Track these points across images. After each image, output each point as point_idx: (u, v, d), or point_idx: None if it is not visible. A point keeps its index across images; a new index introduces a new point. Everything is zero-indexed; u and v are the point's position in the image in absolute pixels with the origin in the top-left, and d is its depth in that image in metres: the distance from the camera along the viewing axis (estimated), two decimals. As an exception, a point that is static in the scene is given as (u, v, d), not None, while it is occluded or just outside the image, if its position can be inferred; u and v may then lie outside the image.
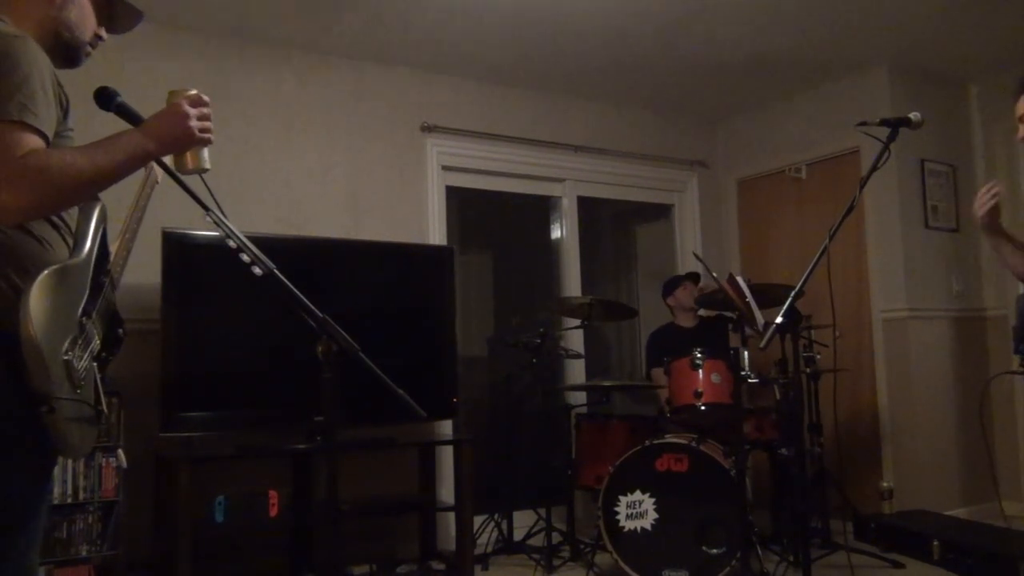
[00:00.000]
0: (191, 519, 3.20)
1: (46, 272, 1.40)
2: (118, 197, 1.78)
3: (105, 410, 1.53)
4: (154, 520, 3.51)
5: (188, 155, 1.57)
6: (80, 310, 1.49)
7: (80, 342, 1.47)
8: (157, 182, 2.02)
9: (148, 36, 3.86)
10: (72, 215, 1.57)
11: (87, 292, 1.53)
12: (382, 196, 4.42)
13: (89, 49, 1.65)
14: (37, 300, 1.35)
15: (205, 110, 1.57)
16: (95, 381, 1.53)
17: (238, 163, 4.03)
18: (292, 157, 4.19)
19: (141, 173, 1.94)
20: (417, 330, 4.00)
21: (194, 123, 1.54)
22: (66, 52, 1.61)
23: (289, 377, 3.46)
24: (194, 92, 1.57)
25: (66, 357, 1.40)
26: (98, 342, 1.55)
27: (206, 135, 1.57)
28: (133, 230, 1.80)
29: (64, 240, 1.53)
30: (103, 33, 1.67)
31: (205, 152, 1.60)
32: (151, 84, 3.84)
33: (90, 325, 1.51)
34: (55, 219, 1.51)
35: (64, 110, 1.52)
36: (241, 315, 3.53)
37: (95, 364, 1.54)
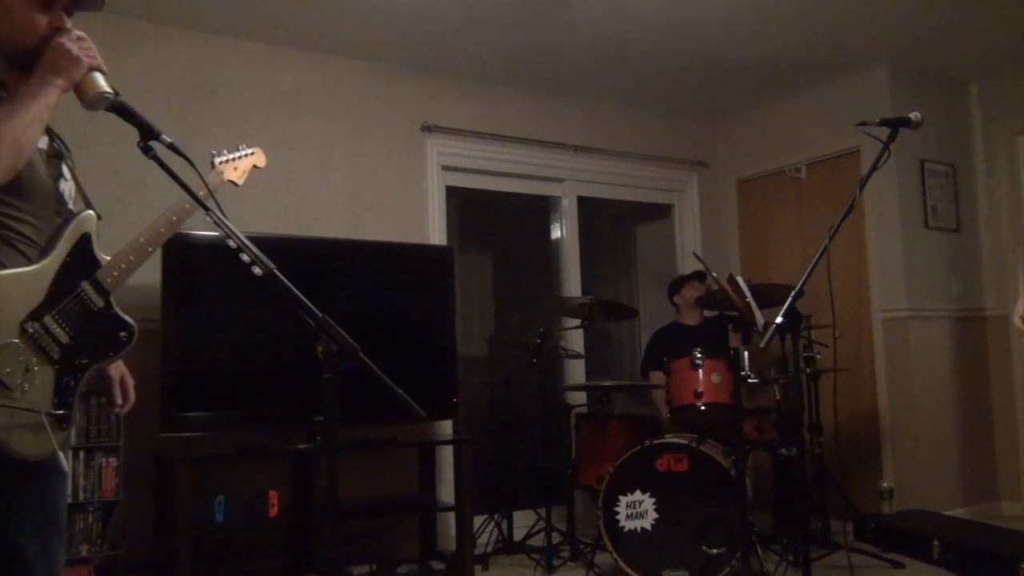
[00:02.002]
0: (191, 519, 3.19)
1: None
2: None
3: (44, 417, 1.52)
4: (154, 520, 3.51)
5: (84, 84, 1.58)
6: (24, 316, 1.51)
7: (22, 347, 1.49)
8: (182, 180, 1.97)
9: (147, 35, 3.86)
10: (40, 226, 1.59)
11: (42, 298, 1.54)
12: (382, 196, 4.42)
13: None
14: None
15: (83, 42, 1.58)
16: (52, 386, 1.54)
17: (238, 163, 4.02)
18: (292, 157, 4.19)
19: (155, 178, 1.89)
20: (417, 330, 3.99)
21: (75, 49, 1.56)
22: (23, 62, 1.60)
23: (289, 377, 3.46)
24: (65, 28, 1.59)
25: None
26: (56, 347, 1.56)
27: (94, 60, 1.58)
28: (157, 233, 1.77)
29: (19, 251, 1.54)
30: (62, 23, 1.62)
31: (99, 77, 1.59)
32: (151, 83, 3.85)
33: (39, 330, 1.52)
34: (3, 232, 1.52)
35: None
36: (241, 315, 3.52)
37: (55, 368, 1.55)
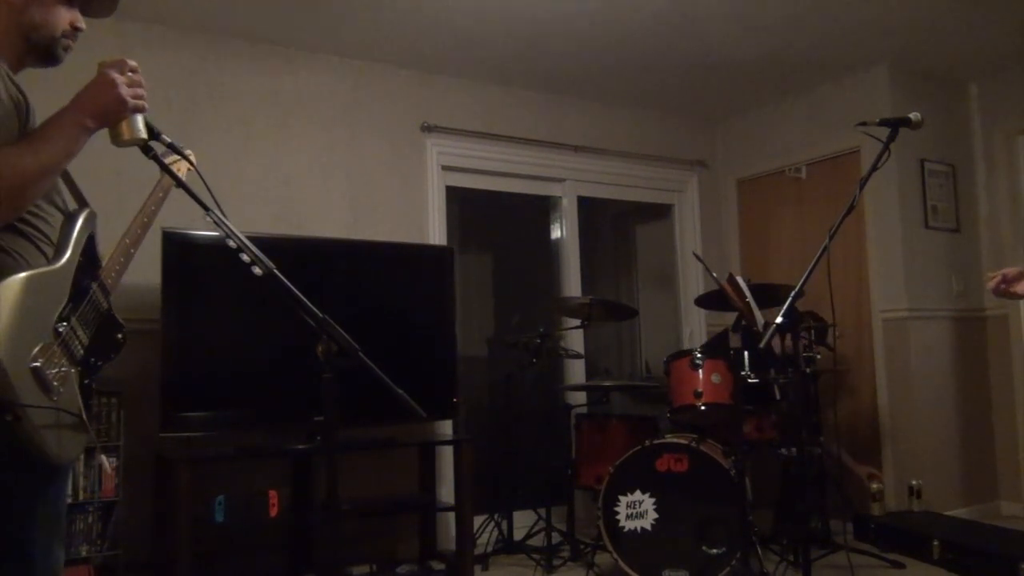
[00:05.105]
0: (191, 519, 3.19)
1: (7, 282, 1.39)
2: (120, 201, 1.75)
3: (84, 417, 1.52)
4: (154, 520, 3.51)
5: (123, 125, 1.54)
6: (56, 317, 1.48)
7: (56, 349, 1.46)
8: (182, 180, 1.97)
9: (148, 35, 3.86)
10: (52, 223, 1.56)
11: (66, 299, 1.52)
12: (382, 196, 4.42)
13: (66, 43, 1.62)
14: None
15: (134, 76, 1.54)
16: (78, 388, 1.53)
17: (238, 163, 4.03)
18: (292, 157, 4.19)
19: (155, 177, 1.90)
20: (417, 330, 3.99)
21: (124, 90, 1.51)
22: (41, 52, 1.60)
23: (289, 377, 3.47)
24: (120, 58, 1.55)
25: (34, 364, 1.39)
26: (80, 348, 1.54)
27: (139, 102, 1.54)
28: (136, 235, 1.78)
29: (39, 249, 1.52)
30: (80, 24, 1.64)
31: (139, 121, 1.56)
32: (151, 83, 3.84)
33: (68, 331, 1.50)
34: (24, 228, 1.50)
35: (26, 110, 1.50)
36: (241, 315, 3.53)
37: (78, 370, 1.53)
